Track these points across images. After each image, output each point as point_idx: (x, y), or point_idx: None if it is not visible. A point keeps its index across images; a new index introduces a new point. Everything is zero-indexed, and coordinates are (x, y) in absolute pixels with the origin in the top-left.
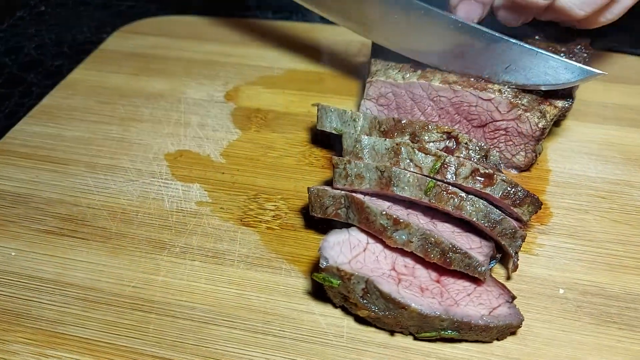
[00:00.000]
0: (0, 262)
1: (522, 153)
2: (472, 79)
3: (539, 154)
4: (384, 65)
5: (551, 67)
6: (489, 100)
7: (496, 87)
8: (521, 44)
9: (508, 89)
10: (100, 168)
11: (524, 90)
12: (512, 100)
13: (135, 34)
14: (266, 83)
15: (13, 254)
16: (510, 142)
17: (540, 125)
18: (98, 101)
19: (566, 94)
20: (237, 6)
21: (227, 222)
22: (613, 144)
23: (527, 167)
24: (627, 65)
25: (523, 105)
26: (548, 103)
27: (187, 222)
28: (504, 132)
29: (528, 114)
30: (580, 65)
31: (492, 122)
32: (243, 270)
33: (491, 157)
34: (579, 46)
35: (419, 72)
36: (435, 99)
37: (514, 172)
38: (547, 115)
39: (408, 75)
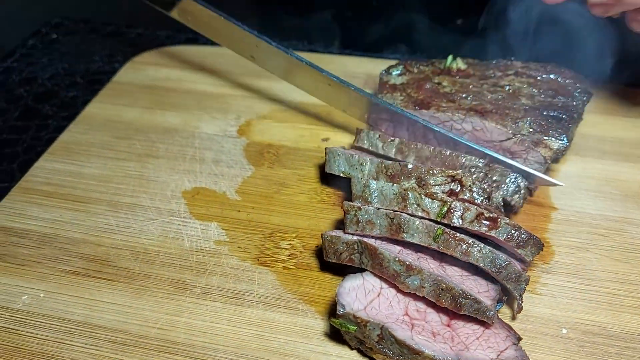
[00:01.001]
0: (31, 304)
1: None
2: (446, 153)
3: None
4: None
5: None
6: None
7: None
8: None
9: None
10: (120, 207)
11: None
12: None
13: (147, 64)
14: (277, 117)
15: (42, 295)
16: None
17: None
18: (114, 136)
19: (562, 135)
20: None
21: (245, 262)
22: (611, 179)
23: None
24: (625, 97)
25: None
26: (543, 145)
27: (206, 262)
28: None
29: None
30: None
31: None
32: (262, 311)
33: (494, 198)
34: (578, 90)
35: (397, 141)
36: None
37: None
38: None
39: (386, 145)
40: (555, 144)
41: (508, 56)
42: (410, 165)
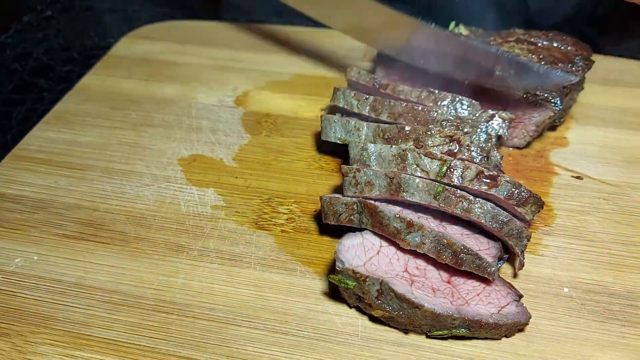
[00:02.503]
0: (24, 267)
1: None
2: (418, 109)
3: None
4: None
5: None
6: None
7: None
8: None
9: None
10: (115, 173)
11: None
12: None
13: (144, 39)
14: (275, 88)
15: (35, 258)
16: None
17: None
18: (110, 107)
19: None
20: (242, 10)
21: (242, 226)
22: (613, 146)
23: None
24: (626, 69)
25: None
26: (540, 108)
27: (203, 225)
28: None
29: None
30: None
31: None
32: (260, 272)
33: (492, 157)
34: (579, 56)
35: (371, 99)
36: None
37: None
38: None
39: (361, 103)
40: (548, 107)
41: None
42: (407, 128)
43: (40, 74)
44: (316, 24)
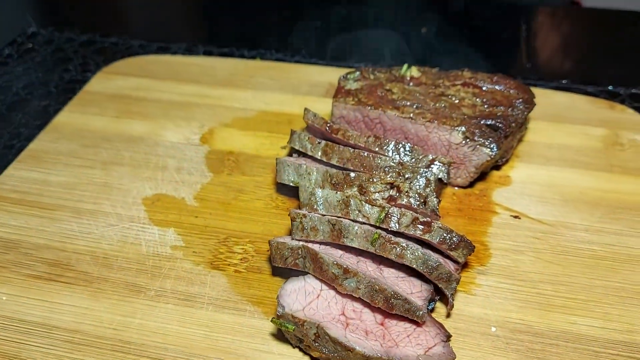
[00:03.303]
0: None
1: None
2: (364, 155)
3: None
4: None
5: None
6: None
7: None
8: None
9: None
10: (84, 213)
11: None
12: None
13: (117, 74)
14: (240, 125)
15: (4, 298)
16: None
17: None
18: (82, 145)
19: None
20: (216, 42)
21: (198, 266)
22: (554, 185)
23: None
24: (573, 104)
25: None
26: (477, 152)
27: (162, 266)
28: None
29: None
30: None
31: None
32: (212, 313)
33: (429, 202)
34: (520, 99)
35: (323, 144)
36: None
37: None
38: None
39: (314, 147)
40: (485, 151)
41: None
42: (352, 174)
43: (18, 108)
44: (283, 57)
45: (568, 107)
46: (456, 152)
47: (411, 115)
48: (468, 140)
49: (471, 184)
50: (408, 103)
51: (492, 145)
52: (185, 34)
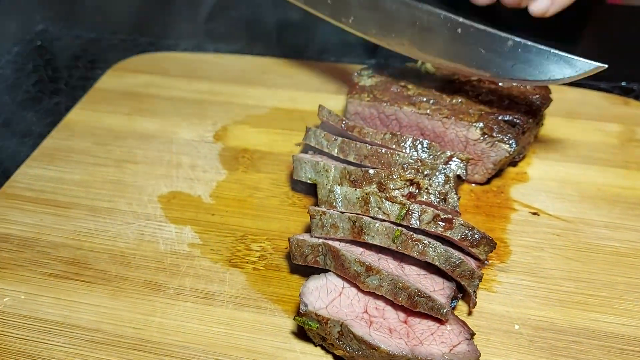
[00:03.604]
0: (12, 306)
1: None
2: (382, 152)
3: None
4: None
5: (553, 62)
6: None
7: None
8: (524, 41)
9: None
10: (99, 211)
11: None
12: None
13: (128, 71)
14: (252, 122)
15: (23, 297)
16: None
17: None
18: (95, 142)
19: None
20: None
21: (216, 264)
22: (570, 182)
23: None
24: (587, 100)
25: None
26: (496, 149)
27: (180, 264)
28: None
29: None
30: (582, 59)
31: None
32: (231, 311)
33: (449, 199)
34: (537, 95)
35: (339, 141)
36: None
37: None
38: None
39: (330, 144)
40: (503, 147)
41: None
42: (371, 171)
43: (29, 106)
44: (294, 55)
45: (582, 103)
46: (474, 149)
47: (428, 111)
48: (486, 136)
49: (488, 181)
50: (424, 99)
51: (510, 142)
52: (194, 32)
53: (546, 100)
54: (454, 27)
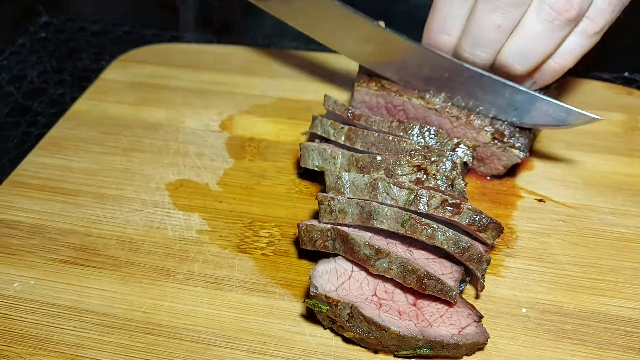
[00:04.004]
0: (22, 291)
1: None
2: (389, 139)
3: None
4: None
5: (552, 109)
6: None
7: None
8: (526, 90)
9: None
10: (107, 199)
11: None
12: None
13: (134, 62)
14: (258, 111)
15: (32, 282)
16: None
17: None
18: (101, 132)
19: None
20: (226, 31)
21: (225, 250)
22: (576, 169)
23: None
24: (591, 90)
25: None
26: (507, 154)
27: (189, 249)
28: None
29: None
30: (579, 110)
31: None
32: (241, 295)
33: (457, 185)
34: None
35: (346, 129)
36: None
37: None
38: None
39: (337, 132)
40: (515, 153)
41: None
42: (379, 158)
43: (34, 97)
44: (298, 46)
45: (586, 93)
46: (484, 150)
47: (437, 107)
48: (497, 141)
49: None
50: (434, 95)
51: (523, 147)
52: (198, 24)
53: (552, 94)
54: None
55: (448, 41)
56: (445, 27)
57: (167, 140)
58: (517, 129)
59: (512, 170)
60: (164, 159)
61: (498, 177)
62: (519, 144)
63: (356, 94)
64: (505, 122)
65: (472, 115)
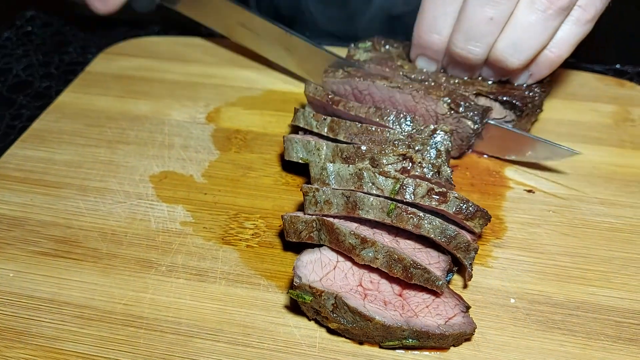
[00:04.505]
0: (0, 283)
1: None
2: (372, 129)
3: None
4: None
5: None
6: None
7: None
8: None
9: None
10: (90, 191)
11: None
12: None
13: (120, 55)
14: (245, 104)
15: (11, 275)
16: None
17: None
18: (86, 124)
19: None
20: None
21: (209, 241)
22: (567, 160)
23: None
24: (583, 82)
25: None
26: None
27: (172, 241)
28: None
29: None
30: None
31: None
32: (225, 287)
33: (443, 172)
34: (537, 84)
35: (328, 120)
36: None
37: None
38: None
39: (320, 124)
40: (467, 123)
41: None
42: (363, 147)
43: (19, 90)
44: None
45: (577, 84)
46: (443, 123)
47: (399, 85)
48: (452, 112)
49: (460, 155)
50: (420, 78)
51: (475, 118)
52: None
53: (545, 88)
54: None
55: (439, 40)
56: (435, 26)
57: (152, 132)
58: (474, 103)
59: (501, 159)
60: (149, 151)
61: (460, 158)
62: (471, 114)
63: (324, 85)
64: (467, 93)
65: (430, 88)
